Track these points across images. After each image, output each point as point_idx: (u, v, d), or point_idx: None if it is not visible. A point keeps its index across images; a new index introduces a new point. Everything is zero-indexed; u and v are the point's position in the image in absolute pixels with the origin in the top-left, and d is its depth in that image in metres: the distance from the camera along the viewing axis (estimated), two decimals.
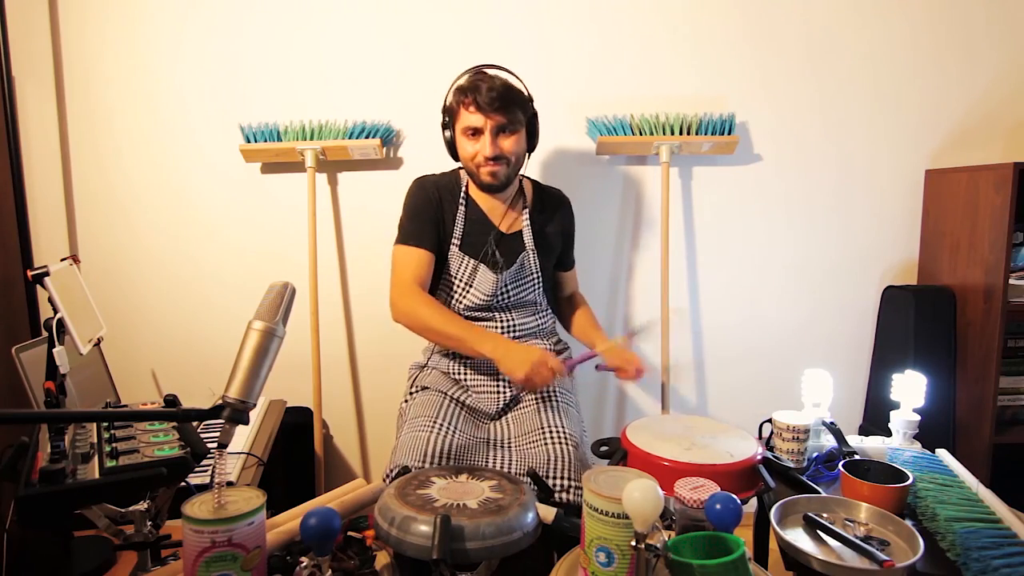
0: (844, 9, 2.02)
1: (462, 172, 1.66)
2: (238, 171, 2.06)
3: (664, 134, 1.96)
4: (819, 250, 2.14)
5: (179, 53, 2.01)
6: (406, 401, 1.61)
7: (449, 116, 1.58)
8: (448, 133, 1.60)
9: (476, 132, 1.51)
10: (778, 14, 2.02)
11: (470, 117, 1.50)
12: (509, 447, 1.45)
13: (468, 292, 1.59)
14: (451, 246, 1.59)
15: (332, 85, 2.03)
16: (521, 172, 1.64)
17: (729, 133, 1.97)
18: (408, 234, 1.57)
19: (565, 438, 1.40)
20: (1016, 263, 1.95)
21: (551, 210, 1.70)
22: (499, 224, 1.62)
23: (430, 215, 1.58)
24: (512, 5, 2.01)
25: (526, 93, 1.58)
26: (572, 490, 1.31)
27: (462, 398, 1.55)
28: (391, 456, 1.42)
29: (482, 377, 1.58)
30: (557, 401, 1.53)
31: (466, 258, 1.59)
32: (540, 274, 1.64)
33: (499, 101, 1.47)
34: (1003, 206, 1.79)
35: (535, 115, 1.60)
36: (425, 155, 2.04)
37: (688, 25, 2.03)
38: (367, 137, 1.97)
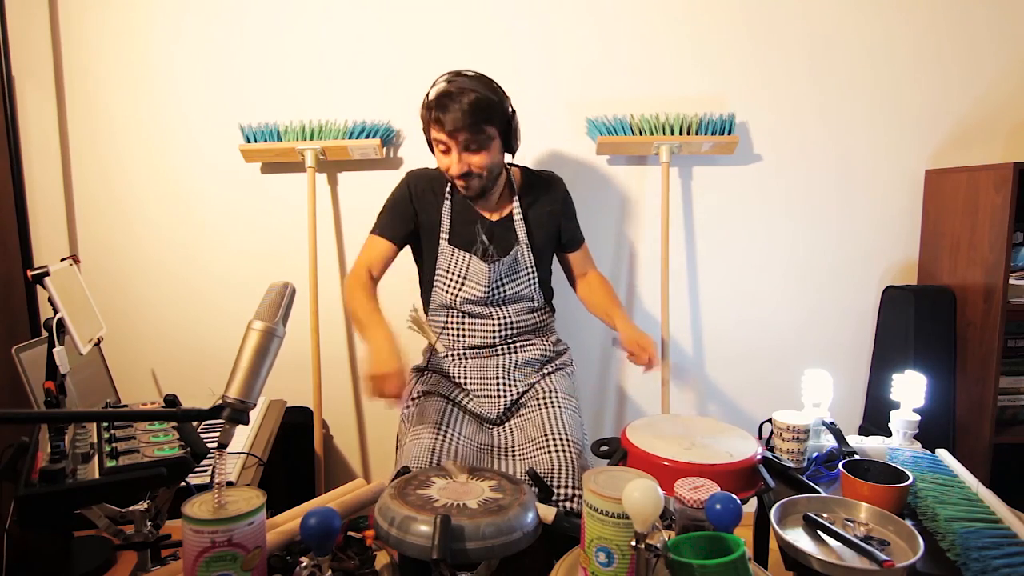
0: (844, 9, 2.02)
1: None
2: (238, 171, 2.06)
3: (664, 134, 1.96)
4: (819, 250, 2.14)
5: (179, 53, 2.01)
6: (408, 407, 1.61)
7: (424, 124, 1.51)
8: (427, 137, 1.54)
9: (446, 148, 1.48)
10: (778, 14, 2.02)
11: (438, 134, 1.46)
12: (513, 455, 1.45)
13: (464, 285, 1.59)
14: (440, 240, 1.59)
15: (332, 85, 2.03)
16: (512, 161, 1.62)
17: (729, 133, 1.97)
18: (377, 223, 1.63)
19: (568, 445, 1.39)
20: (1016, 263, 1.95)
21: (541, 193, 1.67)
22: (488, 214, 1.62)
23: (401, 208, 1.61)
24: (512, 5, 2.01)
25: (498, 96, 1.48)
26: (576, 499, 1.31)
27: (464, 402, 1.55)
28: (395, 463, 1.42)
29: (483, 381, 1.58)
30: (559, 405, 1.52)
31: (457, 251, 1.59)
32: (535, 269, 1.63)
33: (463, 121, 1.41)
34: (1003, 206, 1.79)
35: (512, 116, 1.52)
36: (425, 155, 2.01)
37: (688, 25, 2.02)
38: (367, 137, 1.97)
